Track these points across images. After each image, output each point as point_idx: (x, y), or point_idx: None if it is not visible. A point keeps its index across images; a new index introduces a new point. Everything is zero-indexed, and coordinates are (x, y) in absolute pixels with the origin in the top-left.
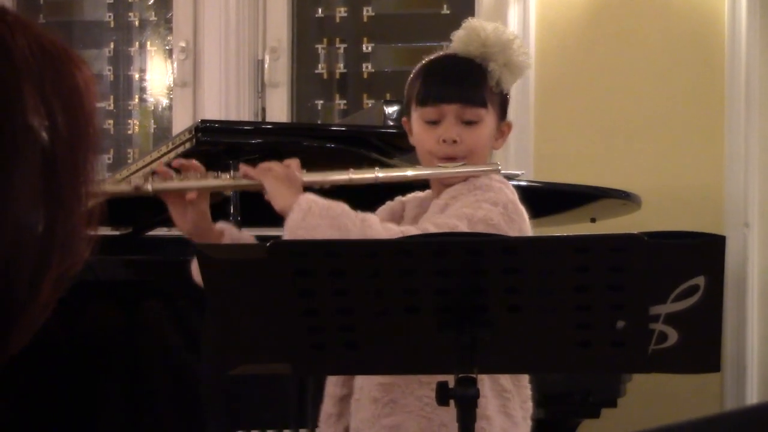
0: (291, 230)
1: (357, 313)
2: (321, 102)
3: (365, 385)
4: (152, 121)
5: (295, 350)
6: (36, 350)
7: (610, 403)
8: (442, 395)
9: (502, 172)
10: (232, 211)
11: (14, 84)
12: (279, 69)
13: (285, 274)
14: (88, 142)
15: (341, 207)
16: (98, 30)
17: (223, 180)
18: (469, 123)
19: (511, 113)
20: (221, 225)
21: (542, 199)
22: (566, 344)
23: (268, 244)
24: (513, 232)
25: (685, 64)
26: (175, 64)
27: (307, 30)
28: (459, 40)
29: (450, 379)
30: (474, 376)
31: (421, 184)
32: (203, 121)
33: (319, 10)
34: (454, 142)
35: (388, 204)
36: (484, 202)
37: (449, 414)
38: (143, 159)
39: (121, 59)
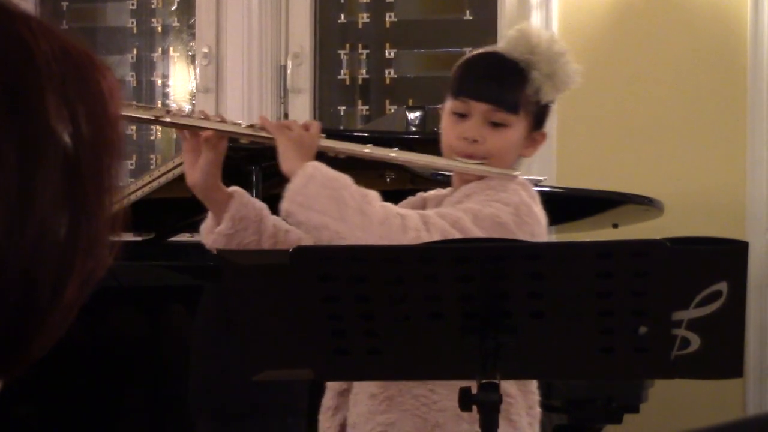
0: (290, 195)
1: (380, 318)
2: (343, 108)
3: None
4: None
5: (318, 355)
6: (59, 355)
7: (632, 408)
8: (465, 401)
9: (524, 177)
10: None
11: (37, 88)
12: (301, 75)
13: (308, 279)
14: (111, 147)
15: (345, 180)
16: (121, 36)
17: (240, 128)
18: (496, 125)
19: None
20: (233, 188)
21: (564, 204)
22: (589, 350)
23: (290, 250)
24: (523, 235)
25: (707, 69)
26: (197, 70)
27: (329, 36)
28: (507, 41)
29: (472, 385)
30: (497, 381)
31: (445, 183)
32: None
33: (342, 16)
34: (475, 141)
35: (410, 199)
36: (495, 201)
37: (444, 415)
38: (165, 165)
39: (144, 65)
